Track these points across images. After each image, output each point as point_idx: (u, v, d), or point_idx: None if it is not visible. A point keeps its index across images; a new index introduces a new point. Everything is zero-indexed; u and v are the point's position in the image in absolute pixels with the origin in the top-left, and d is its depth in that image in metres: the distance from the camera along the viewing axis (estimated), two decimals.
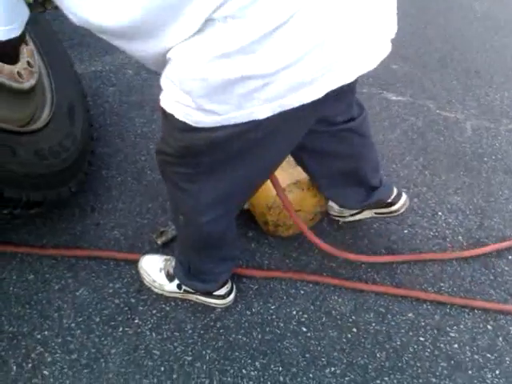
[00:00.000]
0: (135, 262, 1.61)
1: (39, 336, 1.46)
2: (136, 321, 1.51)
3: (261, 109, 0.88)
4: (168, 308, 1.55)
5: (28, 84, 1.58)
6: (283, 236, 1.71)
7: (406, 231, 1.83)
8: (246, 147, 1.01)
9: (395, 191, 1.67)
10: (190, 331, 1.50)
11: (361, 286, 1.63)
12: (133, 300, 1.56)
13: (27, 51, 1.68)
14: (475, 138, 2.31)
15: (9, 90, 1.48)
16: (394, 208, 1.68)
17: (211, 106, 0.86)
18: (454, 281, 1.68)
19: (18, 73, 1.54)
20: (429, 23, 3.25)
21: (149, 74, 2.51)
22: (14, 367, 1.38)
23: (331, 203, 1.80)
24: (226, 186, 1.14)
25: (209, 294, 1.53)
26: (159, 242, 1.70)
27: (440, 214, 1.92)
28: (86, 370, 1.39)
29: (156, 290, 1.57)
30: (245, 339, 1.49)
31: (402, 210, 1.68)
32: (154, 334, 1.48)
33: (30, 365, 1.39)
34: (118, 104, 2.33)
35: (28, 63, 1.64)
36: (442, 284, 1.67)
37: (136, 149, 2.09)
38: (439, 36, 3.10)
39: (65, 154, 1.64)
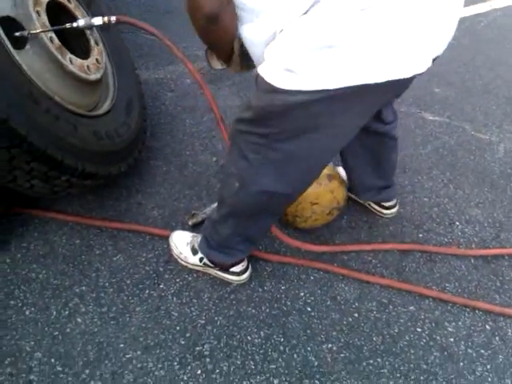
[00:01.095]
0: (167, 238, 1.83)
1: (77, 290, 1.68)
2: (161, 286, 1.71)
3: (335, 79, 1.04)
4: (190, 278, 1.74)
5: (94, 76, 1.86)
6: (300, 227, 1.86)
7: (420, 235, 1.93)
8: (315, 120, 1.15)
9: (394, 200, 1.95)
10: (207, 299, 1.68)
11: (367, 277, 1.74)
12: (161, 269, 1.77)
13: (97, 50, 1.97)
14: (506, 159, 2.37)
15: (78, 79, 1.76)
16: (385, 212, 1.98)
17: (296, 66, 1.05)
18: (459, 283, 1.76)
19: (87, 66, 1.83)
20: (478, 53, 3.34)
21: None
22: (54, 312, 1.61)
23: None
24: (286, 163, 1.27)
25: (226, 270, 1.70)
26: (190, 222, 1.91)
27: (457, 223, 2.00)
28: (112, 322, 1.60)
29: (181, 262, 1.76)
30: (254, 311, 1.65)
31: (388, 217, 1.99)
32: (174, 299, 1.67)
33: (66, 312, 1.62)
34: (173, 107, 2.61)
35: (96, 60, 1.93)
36: (447, 284, 1.75)
37: (182, 145, 2.34)
38: (486, 64, 3.17)
39: (118, 138, 1.89)
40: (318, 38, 1.00)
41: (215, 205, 1.91)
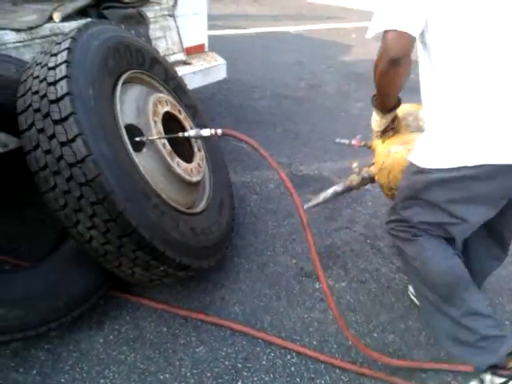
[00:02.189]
0: (247, 334, 1.91)
1: (161, 377, 1.77)
2: (239, 383, 1.77)
3: (471, 157, 1.15)
4: (267, 379, 1.78)
5: (195, 179, 2.08)
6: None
7: None
8: (452, 201, 1.27)
9: None
10: None
11: None
12: (239, 365, 1.83)
13: (199, 155, 2.22)
14: None
15: (182, 181, 1.99)
16: None
17: (438, 148, 1.22)
18: None
19: (190, 169, 2.06)
20: None
21: (286, 189, 2.97)
22: None
23: None
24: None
25: None
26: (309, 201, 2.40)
27: None
28: None
29: None
30: None
31: None
32: None
33: None
34: (257, 209, 2.79)
35: (198, 164, 2.17)
36: None
37: (264, 245, 2.48)
38: None
39: (211, 235, 2.07)
40: (458, 121, 1.15)
41: (329, 189, 2.33)
